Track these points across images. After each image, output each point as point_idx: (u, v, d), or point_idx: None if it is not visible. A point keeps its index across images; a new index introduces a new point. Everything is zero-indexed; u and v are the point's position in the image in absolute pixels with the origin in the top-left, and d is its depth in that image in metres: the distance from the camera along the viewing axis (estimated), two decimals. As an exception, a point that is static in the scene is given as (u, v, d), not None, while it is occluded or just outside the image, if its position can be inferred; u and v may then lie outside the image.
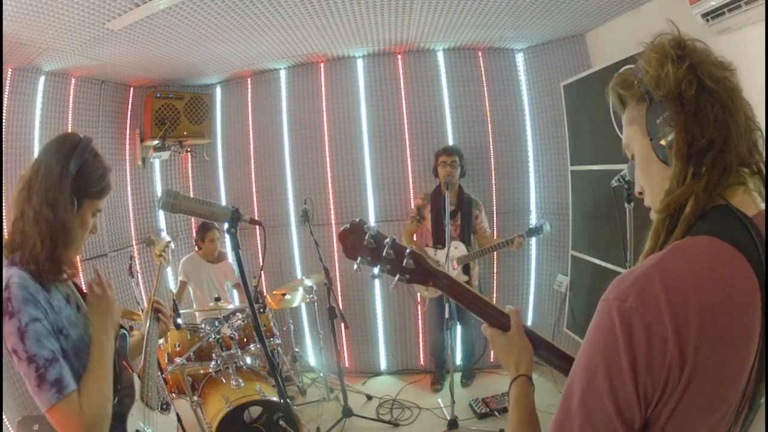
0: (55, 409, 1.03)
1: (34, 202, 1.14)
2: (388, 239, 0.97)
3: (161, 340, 2.93)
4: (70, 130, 3.38)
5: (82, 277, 3.38)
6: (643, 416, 0.61)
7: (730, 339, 0.61)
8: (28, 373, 1.04)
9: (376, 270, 0.98)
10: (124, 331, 1.45)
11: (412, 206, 3.75)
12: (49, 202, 1.14)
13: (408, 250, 0.97)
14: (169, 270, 4.03)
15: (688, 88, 0.67)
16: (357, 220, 0.99)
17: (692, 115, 0.68)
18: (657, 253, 0.67)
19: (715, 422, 0.64)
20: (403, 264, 0.96)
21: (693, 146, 0.68)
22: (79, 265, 3.30)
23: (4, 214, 2.82)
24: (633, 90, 0.75)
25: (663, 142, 0.70)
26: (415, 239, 3.68)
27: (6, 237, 1.19)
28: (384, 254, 0.96)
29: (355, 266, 0.98)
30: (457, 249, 3.44)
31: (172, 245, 2.05)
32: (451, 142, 3.83)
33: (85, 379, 1.13)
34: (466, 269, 3.49)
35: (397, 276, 0.97)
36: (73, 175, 1.17)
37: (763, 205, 0.72)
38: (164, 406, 1.53)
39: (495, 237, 3.70)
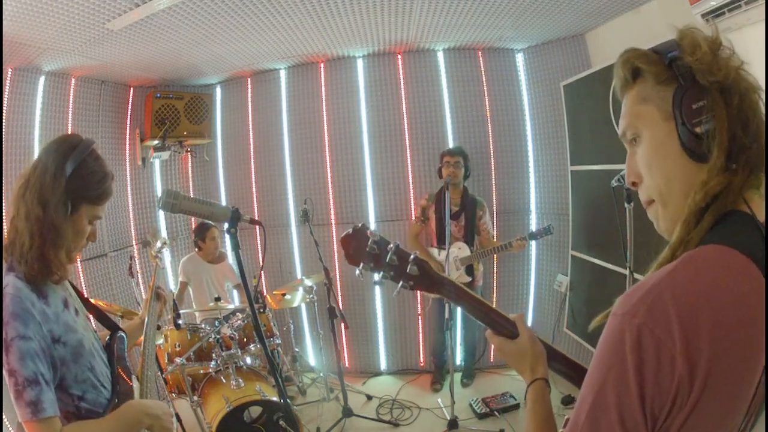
0: (28, 425, 1.04)
1: (27, 199, 1.13)
2: (391, 245, 0.94)
3: (161, 340, 2.93)
4: (71, 131, 3.38)
5: (82, 280, 3.39)
6: (651, 430, 0.61)
7: (743, 352, 0.60)
8: (8, 383, 1.04)
9: (378, 276, 0.96)
10: (122, 334, 1.45)
11: (416, 207, 3.75)
12: (41, 200, 1.13)
13: (412, 256, 0.94)
14: (169, 271, 4.03)
15: (742, 82, 0.66)
16: (359, 225, 0.97)
17: (737, 110, 0.65)
18: (667, 265, 0.65)
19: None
20: (407, 270, 0.94)
21: (735, 142, 0.65)
22: (79, 265, 3.32)
23: (4, 214, 2.82)
24: (660, 66, 0.70)
25: (699, 130, 0.66)
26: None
27: (6, 238, 1.18)
28: (387, 260, 0.94)
29: (358, 272, 0.96)
30: (461, 250, 3.44)
31: (167, 248, 2.03)
32: (451, 142, 3.83)
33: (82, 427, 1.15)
34: (470, 270, 3.50)
35: (401, 283, 0.95)
36: (69, 176, 1.15)
37: None
38: None
39: (495, 239, 3.70)
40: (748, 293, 0.61)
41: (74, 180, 1.16)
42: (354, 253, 0.96)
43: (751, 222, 0.65)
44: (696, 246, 0.67)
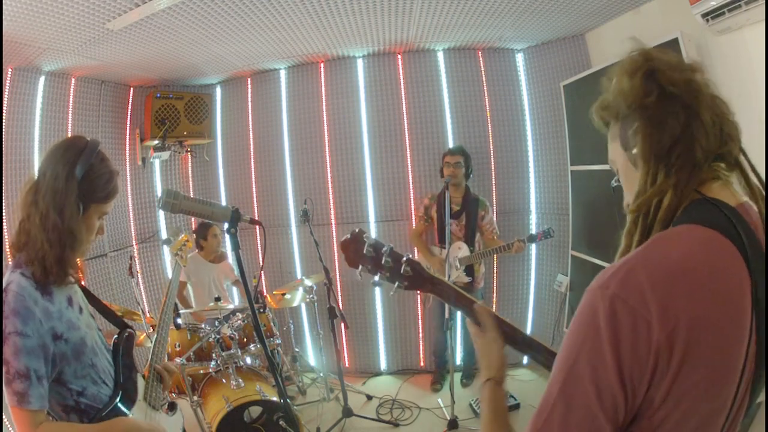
0: (13, 410, 1.09)
1: (41, 206, 1.16)
2: (386, 247, 1.00)
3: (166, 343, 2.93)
4: (71, 131, 3.38)
5: (83, 280, 3.39)
6: (631, 403, 0.61)
7: (722, 319, 0.61)
8: (3, 369, 1.09)
9: (376, 277, 1.01)
10: (131, 330, 1.46)
11: (418, 206, 3.74)
12: (57, 207, 1.15)
13: (405, 258, 1.00)
14: (169, 271, 4.03)
15: (648, 95, 0.71)
16: (357, 230, 1.03)
17: (654, 119, 0.71)
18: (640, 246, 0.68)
19: (715, 407, 0.63)
20: (401, 271, 0.99)
21: (657, 148, 0.71)
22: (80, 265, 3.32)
23: (3, 213, 2.82)
24: (609, 110, 0.80)
25: (635, 151, 0.74)
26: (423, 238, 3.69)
27: (12, 236, 1.21)
28: (383, 262, 0.99)
29: (358, 273, 1.02)
30: (461, 249, 3.44)
31: (191, 242, 2.04)
32: (451, 142, 3.83)
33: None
34: (470, 270, 3.49)
35: (396, 283, 1.01)
36: (79, 180, 1.18)
37: (744, 198, 0.73)
38: (170, 407, 1.54)
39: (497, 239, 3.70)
40: (722, 262, 0.64)
41: (84, 183, 1.19)
42: (353, 257, 1.02)
43: (710, 205, 0.69)
44: None
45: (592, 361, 0.61)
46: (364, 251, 1.00)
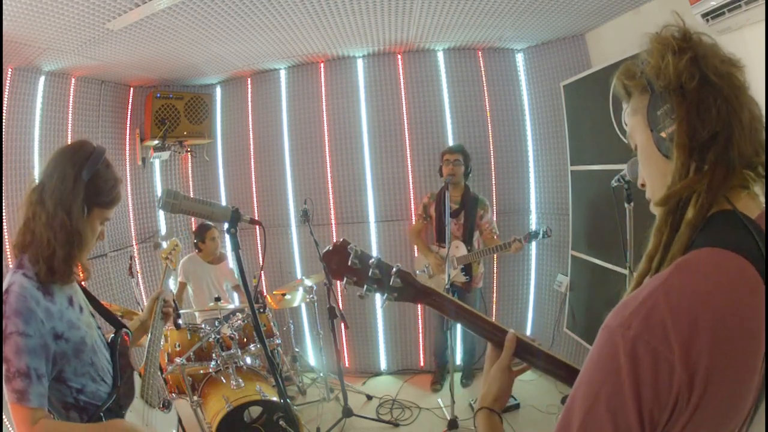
0: (12, 407, 1.11)
1: (48, 205, 1.18)
2: (373, 258, 0.95)
3: (161, 341, 2.93)
4: (71, 131, 3.38)
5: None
6: None
7: (742, 352, 0.59)
8: (3, 367, 1.11)
9: (362, 290, 0.96)
10: (127, 330, 1.47)
11: (418, 205, 3.75)
12: (64, 207, 1.18)
13: (394, 269, 0.94)
14: (169, 270, 4.02)
15: (689, 80, 0.66)
16: (341, 240, 0.98)
17: (694, 107, 0.66)
18: (660, 273, 0.64)
19: (727, 430, 0.63)
20: (390, 283, 0.94)
21: (694, 140, 0.66)
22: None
23: (3, 212, 2.82)
24: (636, 80, 0.74)
25: (663, 134, 0.69)
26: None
27: (16, 236, 1.22)
28: (370, 274, 0.94)
29: (342, 286, 0.97)
30: (458, 249, 3.44)
31: (180, 247, 2.08)
32: (451, 142, 3.83)
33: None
34: (467, 270, 3.48)
35: (385, 295, 0.95)
36: (86, 183, 1.21)
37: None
38: (165, 404, 1.55)
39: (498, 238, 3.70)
40: (745, 293, 0.60)
41: (90, 186, 1.22)
42: (337, 269, 0.97)
43: (739, 221, 0.64)
44: (683, 252, 0.66)
45: (611, 404, 0.59)
46: (349, 263, 0.94)
